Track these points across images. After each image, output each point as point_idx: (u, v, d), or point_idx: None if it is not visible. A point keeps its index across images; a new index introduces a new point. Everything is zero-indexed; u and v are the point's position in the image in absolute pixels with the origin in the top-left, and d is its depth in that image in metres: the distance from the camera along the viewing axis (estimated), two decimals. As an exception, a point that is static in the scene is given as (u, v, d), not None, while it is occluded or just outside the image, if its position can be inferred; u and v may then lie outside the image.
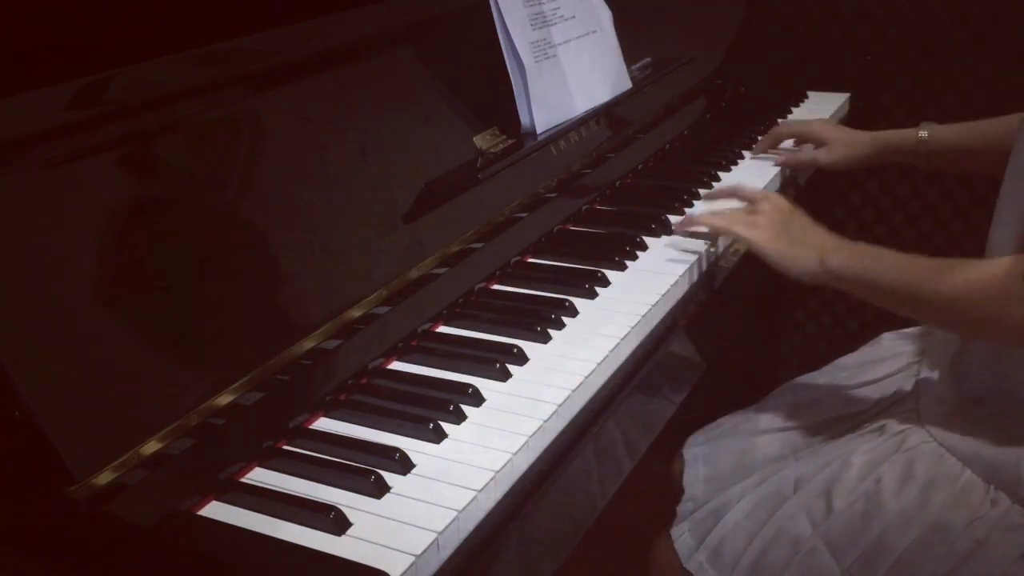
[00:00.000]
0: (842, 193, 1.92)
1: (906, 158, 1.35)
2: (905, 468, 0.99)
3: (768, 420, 1.21)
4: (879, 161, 1.39)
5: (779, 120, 1.64)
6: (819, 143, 1.41)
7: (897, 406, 1.10)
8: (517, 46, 1.18)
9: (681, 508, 1.15)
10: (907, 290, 0.97)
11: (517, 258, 1.14)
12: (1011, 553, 0.92)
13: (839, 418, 1.15)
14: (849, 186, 1.91)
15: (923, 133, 1.32)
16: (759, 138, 1.52)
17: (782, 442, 1.16)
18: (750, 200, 1.17)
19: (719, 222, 1.13)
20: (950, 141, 1.31)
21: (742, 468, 1.14)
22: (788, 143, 1.49)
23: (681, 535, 1.10)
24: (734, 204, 1.21)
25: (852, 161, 1.39)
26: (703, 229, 1.16)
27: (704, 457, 1.20)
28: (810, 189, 1.53)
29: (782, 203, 1.14)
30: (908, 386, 1.10)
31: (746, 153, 1.49)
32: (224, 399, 0.78)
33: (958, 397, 1.00)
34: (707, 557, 1.06)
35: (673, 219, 1.24)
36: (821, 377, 1.24)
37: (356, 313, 0.91)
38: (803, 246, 1.07)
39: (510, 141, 1.19)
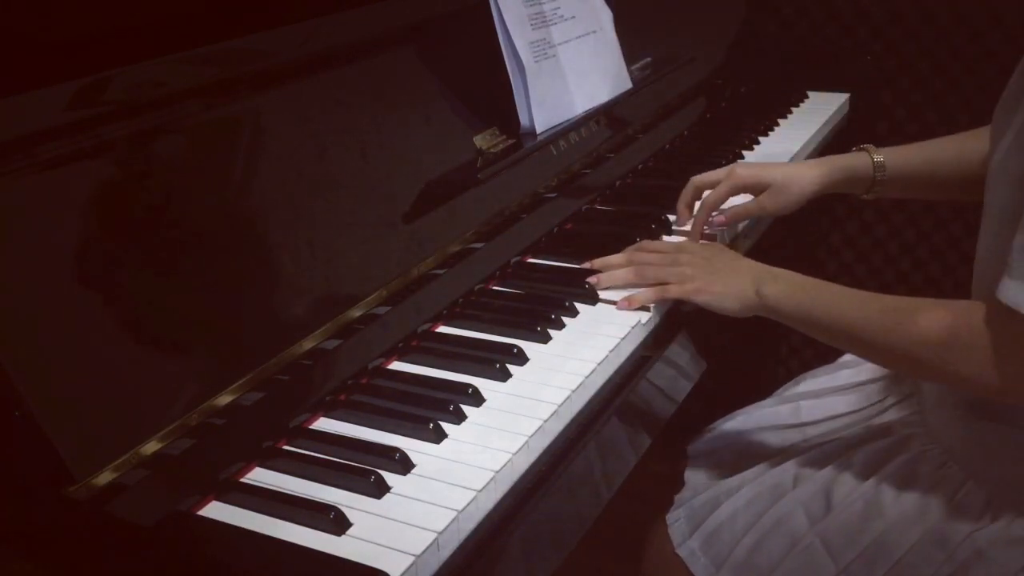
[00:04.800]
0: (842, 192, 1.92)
1: (857, 187, 1.19)
2: (907, 472, 0.99)
3: (772, 417, 1.20)
4: (828, 192, 1.20)
5: (780, 119, 1.64)
6: (759, 189, 1.19)
7: (900, 407, 1.09)
8: (517, 46, 1.18)
9: (679, 497, 1.15)
10: (848, 331, 0.93)
11: (517, 258, 1.14)
12: (1012, 566, 0.91)
13: (842, 416, 1.15)
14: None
15: (878, 157, 1.17)
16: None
17: (785, 439, 1.16)
18: (662, 251, 1.08)
19: (653, 295, 1.02)
20: (913, 165, 1.17)
21: (744, 463, 1.14)
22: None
23: (676, 520, 1.10)
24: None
25: (801, 202, 1.18)
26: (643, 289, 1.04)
27: (707, 454, 1.20)
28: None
29: (697, 247, 1.08)
30: (908, 387, 1.10)
31: (746, 154, 1.49)
32: (224, 399, 0.78)
33: (960, 401, 1.00)
34: (700, 544, 1.06)
35: (673, 219, 1.24)
36: (825, 374, 1.24)
37: (356, 313, 0.91)
38: (736, 278, 1.01)
39: (510, 141, 1.19)
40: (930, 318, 0.87)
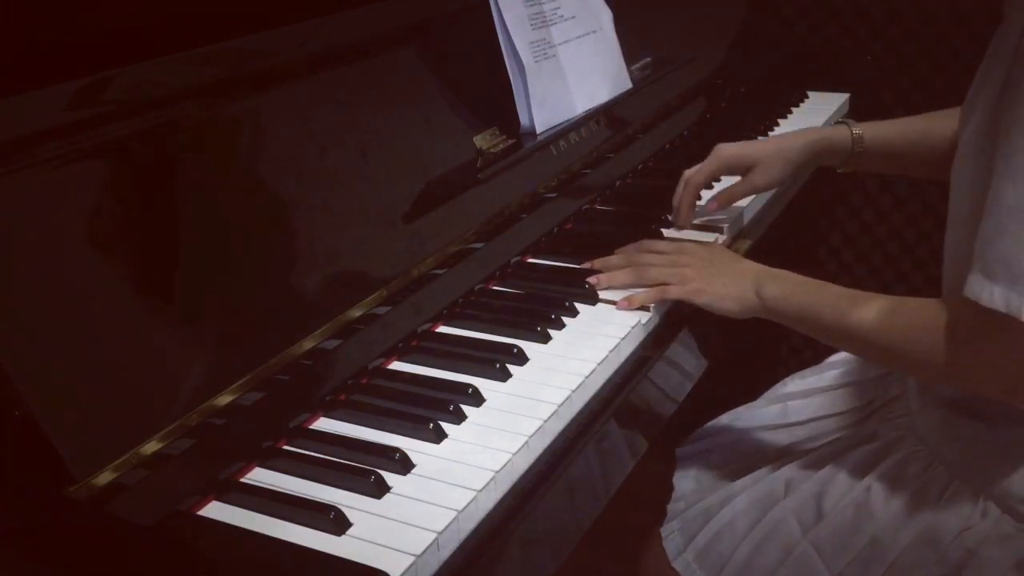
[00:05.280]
0: (842, 192, 1.92)
1: (836, 160, 1.23)
2: (895, 475, 0.99)
3: (760, 418, 1.21)
4: (811, 163, 1.25)
5: (780, 119, 1.64)
6: (746, 168, 1.22)
7: (887, 408, 1.09)
8: (517, 46, 1.18)
9: (671, 507, 1.15)
10: (847, 331, 0.93)
11: (517, 258, 1.14)
12: (1004, 563, 0.92)
13: (830, 417, 1.15)
14: (852, 186, 1.91)
15: (857, 130, 1.20)
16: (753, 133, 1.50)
17: (773, 441, 1.17)
18: (662, 251, 1.08)
19: (653, 295, 1.02)
20: (888, 139, 1.20)
21: (732, 467, 1.14)
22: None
23: (670, 533, 1.10)
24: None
25: (788, 174, 1.22)
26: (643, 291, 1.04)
27: (695, 456, 1.20)
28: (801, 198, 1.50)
29: (698, 248, 1.08)
30: (896, 389, 1.10)
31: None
32: (224, 399, 0.78)
33: (946, 400, 1.00)
34: (695, 556, 1.06)
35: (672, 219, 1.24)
36: (812, 375, 1.24)
37: (356, 313, 0.91)
38: (736, 279, 1.01)
39: (510, 141, 1.19)
40: (913, 316, 0.89)
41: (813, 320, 0.96)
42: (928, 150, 1.16)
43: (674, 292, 1.02)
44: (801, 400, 1.20)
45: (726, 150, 1.21)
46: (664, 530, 1.11)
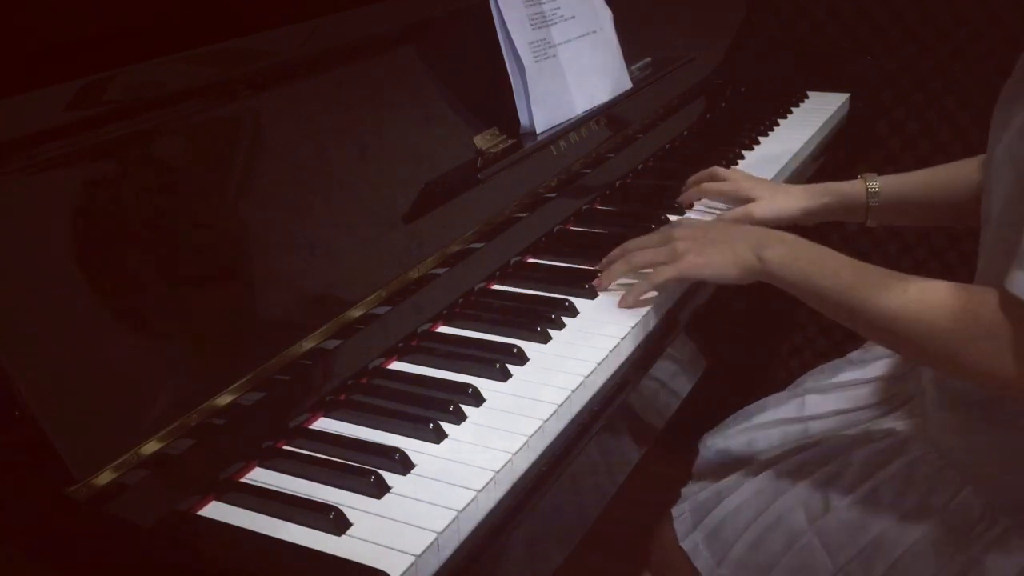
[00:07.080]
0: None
1: (850, 215, 1.21)
2: (905, 476, 0.99)
3: (778, 412, 1.21)
4: (819, 219, 1.23)
5: (780, 119, 1.64)
6: (749, 200, 1.23)
7: (902, 410, 1.09)
8: (517, 46, 1.18)
9: (685, 489, 1.15)
10: (851, 303, 0.91)
11: (517, 258, 1.14)
12: (1008, 572, 0.91)
13: (846, 413, 1.15)
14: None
15: (873, 186, 1.18)
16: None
17: (789, 433, 1.17)
18: (658, 241, 1.06)
19: (648, 282, 1.01)
20: (904, 193, 1.18)
21: (748, 456, 1.15)
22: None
23: (681, 514, 1.11)
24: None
25: (786, 218, 1.21)
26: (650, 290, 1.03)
27: (717, 450, 1.21)
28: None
29: (695, 221, 1.06)
30: (912, 388, 1.10)
31: (746, 153, 1.49)
32: (224, 399, 0.78)
33: (964, 402, 1.00)
34: (703, 538, 1.07)
35: (673, 218, 1.24)
36: (830, 372, 1.24)
37: (356, 313, 0.91)
38: (733, 243, 0.98)
39: (510, 141, 1.19)
40: (934, 299, 0.86)
41: (814, 289, 0.93)
42: (955, 198, 1.15)
43: (668, 271, 1.00)
44: (818, 396, 1.20)
45: (743, 183, 1.24)
46: (675, 510, 1.12)
